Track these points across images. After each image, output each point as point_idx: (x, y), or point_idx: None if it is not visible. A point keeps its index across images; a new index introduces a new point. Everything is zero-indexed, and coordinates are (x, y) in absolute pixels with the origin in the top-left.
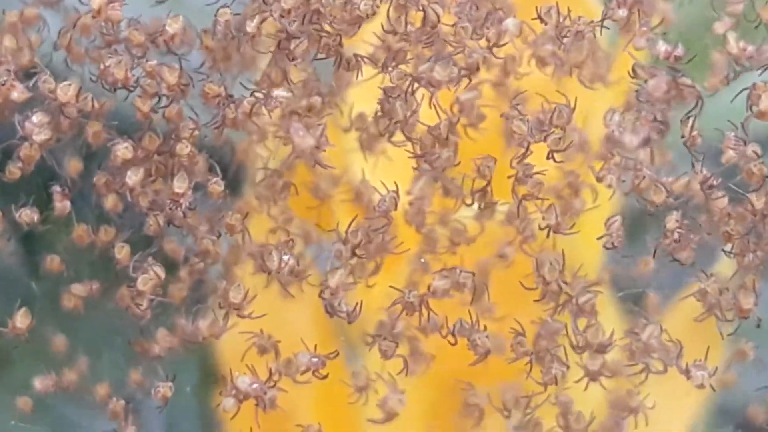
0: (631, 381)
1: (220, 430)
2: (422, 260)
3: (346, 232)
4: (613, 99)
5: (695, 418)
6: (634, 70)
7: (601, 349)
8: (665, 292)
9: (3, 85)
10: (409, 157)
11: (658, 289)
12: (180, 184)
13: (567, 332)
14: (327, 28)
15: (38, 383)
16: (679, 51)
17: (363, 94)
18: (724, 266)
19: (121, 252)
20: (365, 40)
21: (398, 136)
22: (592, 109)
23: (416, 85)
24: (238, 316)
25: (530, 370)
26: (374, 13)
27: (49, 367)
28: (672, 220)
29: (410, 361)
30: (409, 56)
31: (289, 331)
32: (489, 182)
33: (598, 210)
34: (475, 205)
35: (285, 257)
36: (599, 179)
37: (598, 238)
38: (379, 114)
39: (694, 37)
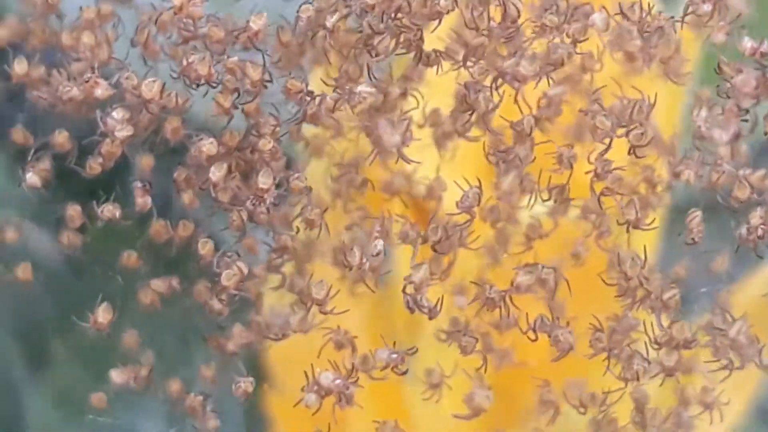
0: (704, 377)
1: (266, 429)
2: (505, 255)
3: (426, 228)
4: (675, 93)
5: (738, 417)
6: (720, 66)
7: (687, 345)
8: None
9: (87, 82)
10: (488, 154)
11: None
12: (265, 180)
13: (644, 328)
14: (405, 22)
15: (116, 376)
16: (765, 47)
17: (432, 91)
18: None
19: (205, 247)
20: (438, 36)
21: (474, 132)
22: (660, 102)
23: (501, 80)
24: (321, 312)
25: (608, 366)
26: (454, 9)
27: (119, 363)
28: (756, 216)
29: (491, 357)
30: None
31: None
32: (570, 174)
33: None
34: (554, 202)
35: (377, 245)
36: (677, 174)
37: (678, 234)
38: (458, 109)
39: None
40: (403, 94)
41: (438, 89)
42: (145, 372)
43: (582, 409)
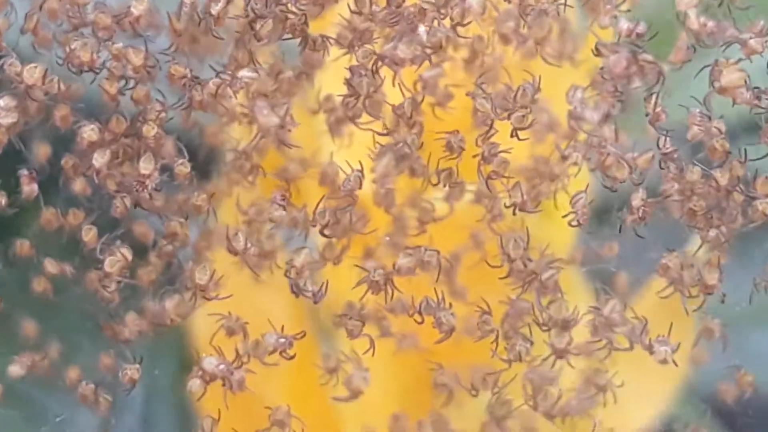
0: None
1: (195, 418)
2: (387, 239)
3: (314, 212)
4: (583, 78)
5: (669, 400)
6: (596, 47)
7: (565, 324)
8: (641, 275)
9: None
10: (376, 135)
11: (631, 271)
12: (146, 166)
13: (534, 311)
14: (292, 8)
15: (14, 371)
16: (641, 28)
17: (332, 78)
18: (696, 247)
19: (88, 234)
20: (335, 22)
21: (364, 118)
22: (561, 89)
23: (380, 63)
24: (204, 298)
25: (496, 348)
26: None
27: (18, 354)
28: (637, 198)
29: (397, 341)
30: (377, 36)
31: (264, 315)
32: (458, 159)
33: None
34: (444, 186)
35: (277, 213)
36: (565, 157)
37: (564, 216)
38: (347, 93)
39: (661, 14)
40: (298, 78)
41: (338, 75)
42: (44, 360)
43: (474, 392)
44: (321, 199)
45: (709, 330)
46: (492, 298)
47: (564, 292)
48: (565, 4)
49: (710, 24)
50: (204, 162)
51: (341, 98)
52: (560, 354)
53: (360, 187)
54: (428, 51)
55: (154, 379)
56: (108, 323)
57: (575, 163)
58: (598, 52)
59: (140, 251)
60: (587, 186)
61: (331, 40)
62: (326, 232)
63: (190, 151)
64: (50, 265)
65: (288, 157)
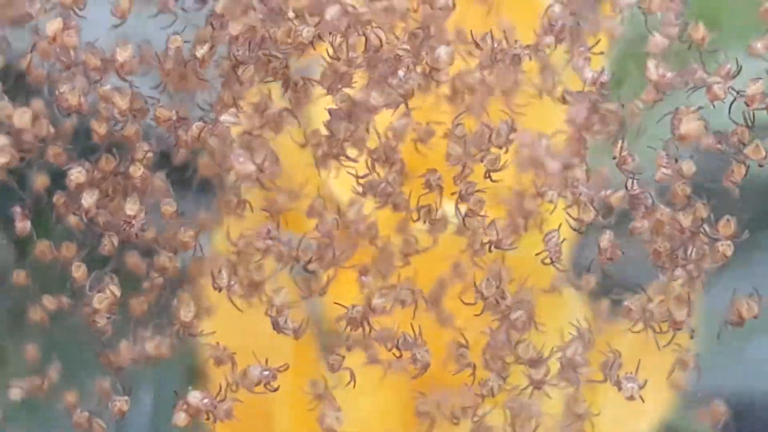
0: (590, 389)
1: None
2: (363, 278)
3: (297, 248)
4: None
5: (654, 424)
6: (563, 96)
7: (533, 364)
8: None
9: None
10: (356, 178)
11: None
12: (132, 206)
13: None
14: (275, 52)
15: (15, 394)
16: (605, 77)
17: (322, 111)
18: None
19: (78, 271)
20: (320, 64)
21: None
22: (546, 122)
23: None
24: (189, 335)
25: (473, 381)
26: (318, 39)
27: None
28: (605, 240)
29: (387, 370)
30: (358, 79)
31: (262, 337)
32: (440, 196)
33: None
34: (424, 223)
35: (267, 242)
36: (540, 195)
37: (537, 254)
38: (327, 135)
39: (636, 52)
40: (280, 116)
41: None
42: (44, 385)
43: (455, 420)
44: (303, 236)
45: (684, 362)
46: (476, 327)
47: (552, 316)
48: (534, 51)
49: (669, 75)
50: (197, 192)
51: (325, 136)
52: (537, 385)
53: (337, 229)
54: (400, 99)
55: (162, 398)
56: (103, 352)
57: (551, 201)
58: (563, 101)
59: (133, 280)
60: (560, 225)
61: (314, 82)
62: (309, 267)
63: (183, 182)
64: (48, 302)
65: (276, 190)
